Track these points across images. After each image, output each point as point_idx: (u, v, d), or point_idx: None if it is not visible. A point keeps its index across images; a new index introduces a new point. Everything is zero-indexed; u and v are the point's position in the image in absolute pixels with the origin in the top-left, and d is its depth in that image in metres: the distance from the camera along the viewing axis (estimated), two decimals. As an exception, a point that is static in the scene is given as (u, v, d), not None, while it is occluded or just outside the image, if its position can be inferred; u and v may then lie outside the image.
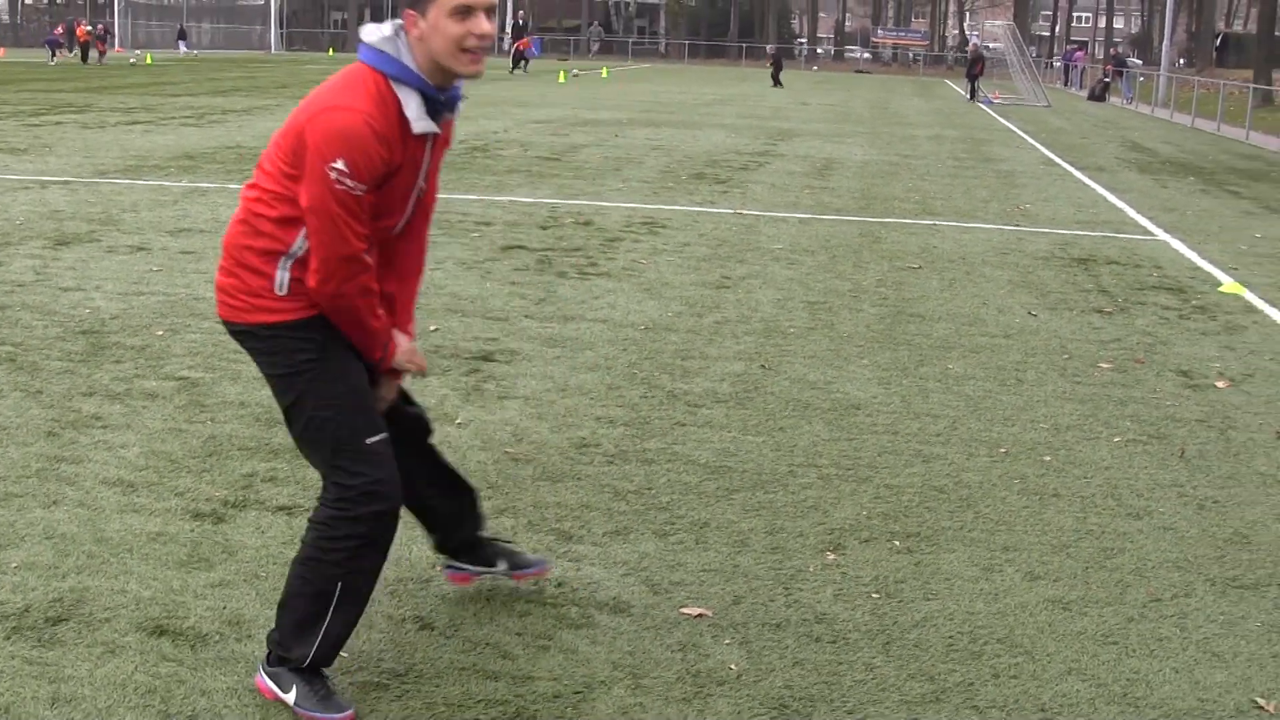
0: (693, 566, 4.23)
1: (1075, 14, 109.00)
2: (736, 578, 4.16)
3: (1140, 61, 63.54)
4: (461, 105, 3.23)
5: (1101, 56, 69.82)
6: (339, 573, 3.19)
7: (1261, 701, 3.55)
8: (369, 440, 3.19)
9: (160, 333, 6.94)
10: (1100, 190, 16.07)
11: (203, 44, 73.62)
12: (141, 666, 3.44)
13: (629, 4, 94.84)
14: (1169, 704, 3.52)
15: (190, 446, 5.17)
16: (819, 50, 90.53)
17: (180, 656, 3.49)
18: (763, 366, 6.75)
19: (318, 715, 3.20)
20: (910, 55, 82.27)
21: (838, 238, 11.20)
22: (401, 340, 3.33)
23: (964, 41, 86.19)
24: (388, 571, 3.90)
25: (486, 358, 6.69)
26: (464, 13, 3.01)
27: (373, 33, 3.10)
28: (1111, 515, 4.86)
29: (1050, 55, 79.45)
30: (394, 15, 3.23)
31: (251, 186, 3.17)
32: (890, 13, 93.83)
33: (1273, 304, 9.08)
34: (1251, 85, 34.23)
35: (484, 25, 3.03)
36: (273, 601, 3.34)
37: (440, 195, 12.67)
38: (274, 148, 3.11)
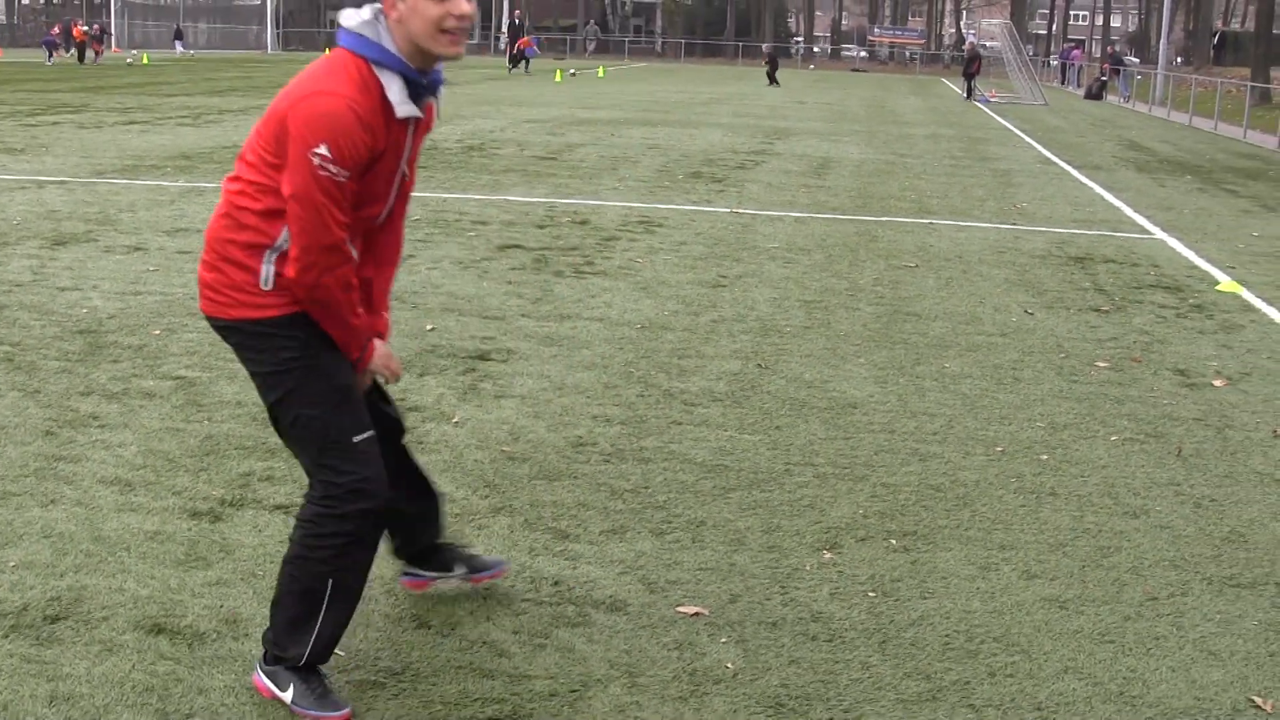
0: (689, 565, 4.23)
1: (1072, 12, 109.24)
2: (733, 576, 4.16)
3: (1138, 60, 63.50)
4: (444, 89, 3.22)
5: (1099, 55, 69.82)
6: (327, 570, 3.18)
7: (1258, 700, 3.55)
8: (356, 439, 3.17)
9: (157, 332, 6.94)
10: (1097, 189, 16.07)
11: (199, 44, 73.50)
12: (139, 665, 3.44)
13: (625, 3, 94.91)
14: (1165, 703, 3.52)
15: (187, 445, 5.17)
16: (815, 49, 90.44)
17: (178, 655, 3.50)
18: (759, 365, 6.75)
19: (315, 713, 3.20)
20: (907, 54, 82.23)
21: (834, 237, 11.20)
22: (379, 344, 3.29)
23: (961, 40, 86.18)
24: (384, 570, 3.91)
25: (483, 357, 6.69)
26: None
27: (352, 17, 3.07)
28: (1108, 514, 4.87)
29: (1047, 54, 79.46)
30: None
31: (234, 179, 3.12)
32: (887, 11, 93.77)
33: (1270, 303, 9.09)
34: (1249, 84, 34.25)
35: (463, 6, 3.03)
36: (269, 600, 3.34)
37: (438, 194, 12.68)
38: (256, 136, 3.08)
